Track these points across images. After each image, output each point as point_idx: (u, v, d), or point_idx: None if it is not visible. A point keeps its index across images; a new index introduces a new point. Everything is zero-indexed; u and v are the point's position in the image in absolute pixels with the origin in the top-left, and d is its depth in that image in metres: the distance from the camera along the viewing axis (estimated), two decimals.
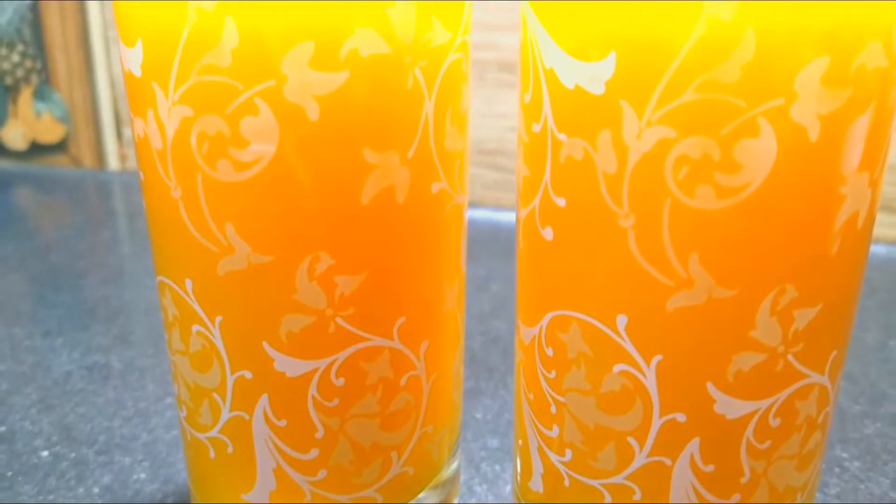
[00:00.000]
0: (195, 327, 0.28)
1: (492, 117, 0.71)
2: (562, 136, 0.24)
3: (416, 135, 0.26)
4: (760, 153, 0.22)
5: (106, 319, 0.54)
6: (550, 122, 0.25)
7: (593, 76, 0.23)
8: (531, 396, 0.29)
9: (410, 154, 0.26)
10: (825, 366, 0.26)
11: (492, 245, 0.65)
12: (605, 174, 0.23)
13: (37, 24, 0.80)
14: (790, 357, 0.24)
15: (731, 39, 0.21)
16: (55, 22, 0.79)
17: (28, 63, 0.83)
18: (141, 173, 0.28)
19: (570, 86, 0.24)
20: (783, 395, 0.25)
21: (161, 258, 0.28)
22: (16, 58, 0.83)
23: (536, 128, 0.25)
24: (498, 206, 0.73)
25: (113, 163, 0.85)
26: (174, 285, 0.28)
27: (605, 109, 0.23)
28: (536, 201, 0.26)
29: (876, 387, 0.46)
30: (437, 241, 0.29)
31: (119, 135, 0.83)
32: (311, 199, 0.25)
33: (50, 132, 0.85)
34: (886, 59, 0.22)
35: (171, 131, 0.25)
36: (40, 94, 0.83)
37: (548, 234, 0.26)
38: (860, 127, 0.23)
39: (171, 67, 0.24)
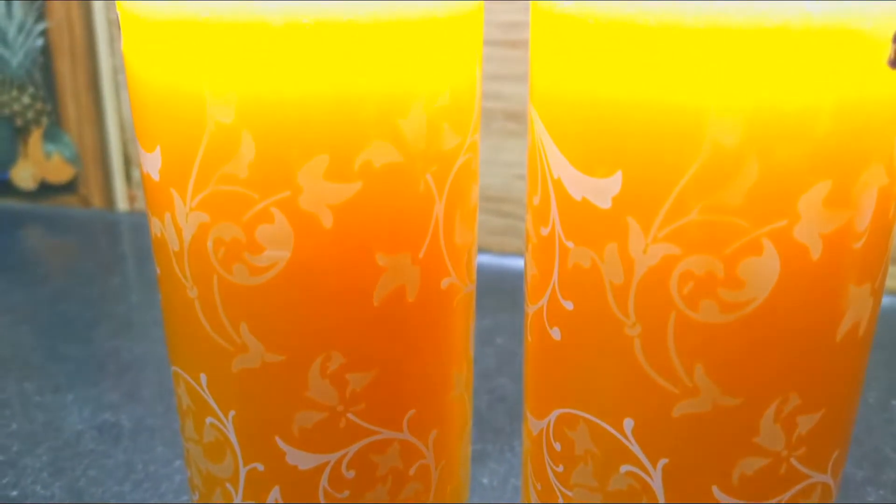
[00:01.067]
0: (209, 419, 0.28)
1: (498, 165, 0.72)
2: (569, 244, 0.25)
3: (426, 236, 0.27)
4: (763, 272, 0.22)
5: (116, 374, 0.55)
6: (558, 228, 0.25)
7: (600, 191, 0.23)
8: (538, 487, 0.29)
9: (421, 254, 0.27)
10: (827, 465, 0.26)
11: (497, 294, 0.65)
12: (611, 284, 0.24)
13: (48, 68, 0.81)
14: (793, 460, 0.25)
15: (735, 164, 0.22)
16: (66, 65, 0.80)
17: (38, 105, 0.84)
18: (157, 268, 0.28)
19: (578, 198, 0.24)
20: (787, 496, 0.26)
21: (176, 350, 0.29)
22: (26, 100, 0.84)
23: (545, 231, 0.26)
24: (503, 252, 0.74)
25: (122, 204, 0.85)
26: (189, 378, 0.28)
27: (612, 224, 0.23)
28: (545, 301, 0.27)
29: (879, 451, 0.46)
30: (446, 333, 0.29)
31: (128, 176, 0.84)
32: (324, 301, 0.26)
33: (59, 173, 0.86)
34: (888, 178, 0.23)
35: (188, 235, 0.26)
36: (50, 136, 0.84)
37: (556, 333, 0.26)
38: (862, 243, 0.23)
39: (189, 176, 0.25)
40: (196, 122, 0.24)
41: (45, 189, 0.86)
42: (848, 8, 0.20)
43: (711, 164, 0.22)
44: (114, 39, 0.80)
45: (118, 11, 0.26)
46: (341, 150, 0.24)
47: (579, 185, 0.24)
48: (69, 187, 0.86)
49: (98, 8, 0.79)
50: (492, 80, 0.68)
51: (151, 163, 0.26)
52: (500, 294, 0.65)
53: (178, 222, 0.26)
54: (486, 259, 0.73)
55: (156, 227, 0.27)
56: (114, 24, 0.80)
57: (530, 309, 0.28)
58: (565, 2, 0.23)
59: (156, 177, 0.26)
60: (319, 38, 0.23)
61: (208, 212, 0.25)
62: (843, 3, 0.20)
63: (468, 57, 0.27)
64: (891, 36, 0.21)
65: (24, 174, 0.86)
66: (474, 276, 0.31)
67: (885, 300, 0.67)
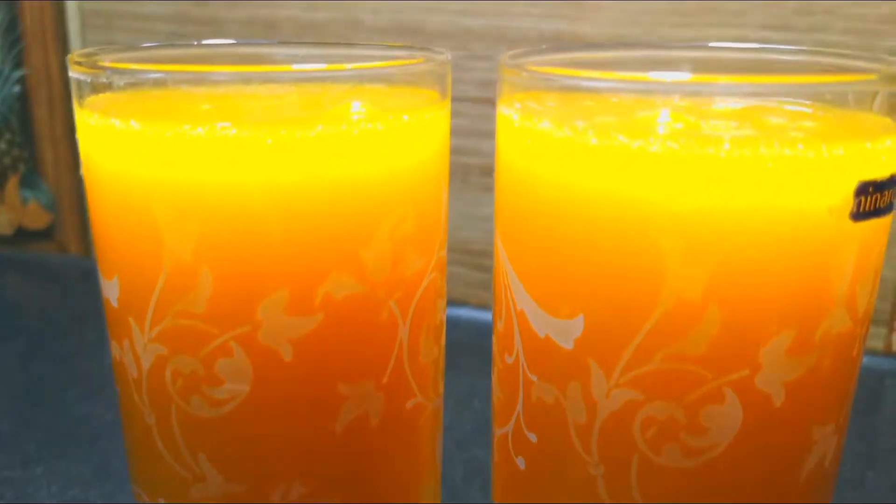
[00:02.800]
0: None
1: (477, 219, 0.71)
2: (533, 377, 0.25)
3: (390, 361, 0.26)
4: (726, 419, 0.22)
5: (87, 443, 0.54)
6: (522, 360, 0.25)
7: (563, 331, 0.23)
8: None
9: (385, 380, 0.26)
10: None
11: (475, 352, 0.64)
12: (574, 422, 0.24)
13: (25, 114, 0.81)
14: None
15: (695, 315, 0.21)
16: (43, 112, 0.80)
17: (15, 151, 0.83)
18: (118, 388, 0.28)
19: (541, 334, 0.24)
20: None
21: (135, 470, 0.28)
22: (3, 146, 0.83)
23: (509, 359, 0.26)
24: (482, 306, 0.74)
25: None
26: (147, 500, 0.28)
27: (574, 364, 0.23)
28: (510, 427, 0.26)
29: None
30: (412, 452, 0.29)
31: None
32: (285, 432, 0.25)
33: (36, 219, 0.85)
34: (850, 321, 0.23)
35: (146, 364, 0.25)
36: (27, 182, 0.83)
37: (520, 462, 0.26)
38: (825, 387, 0.23)
39: (147, 308, 0.24)
40: (154, 257, 0.24)
41: (22, 235, 0.85)
42: (807, 160, 0.20)
43: (672, 313, 0.21)
44: None
45: (77, 138, 0.25)
46: (301, 284, 0.24)
47: (542, 322, 0.24)
48: (46, 233, 0.85)
49: None
50: (468, 136, 0.68)
51: (110, 289, 0.26)
52: (479, 353, 0.64)
53: (137, 350, 0.25)
54: (464, 313, 0.73)
55: (115, 349, 0.27)
56: None
57: (497, 431, 0.27)
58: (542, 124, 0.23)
59: (114, 303, 0.26)
60: (279, 166, 0.23)
61: (166, 344, 0.25)
62: (802, 154, 0.20)
63: (433, 171, 0.27)
64: (852, 190, 0.21)
65: (0, 220, 0.85)
66: (440, 389, 0.30)
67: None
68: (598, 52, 0.30)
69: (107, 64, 0.23)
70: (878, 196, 0.21)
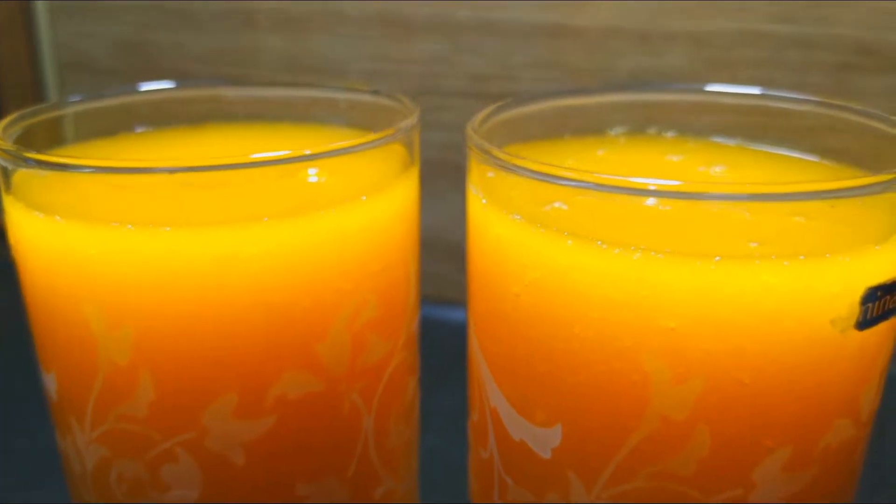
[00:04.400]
0: None
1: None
2: (508, 479, 0.23)
3: (354, 453, 0.24)
4: None
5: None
6: (497, 459, 0.23)
7: (539, 440, 0.21)
8: None
9: (349, 473, 0.24)
10: None
11: (465, 361, 0.62)
12: None
13: None
14: None
15: (683, 436, 0.19)
16: None
17: None
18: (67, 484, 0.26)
19: (516, 438, 0.22)
20: None
21: None
22: None
23: (483, 454, 0.24)
24: None
25: None
26: None
27: (552, 474, 0.21)
28: None
29: None
30: None
31: None
32: None
33: None
34: (854, 428, 0.20)
35: (90, 464, 0.23)
36: None
37: None
38: (826, 494, 0.21)
39: (86, 409, 0.22)
40: (89, 359, 0.22)
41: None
42: (807, 269, 0.18)
43: (658, 433, 0.19)
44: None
45: (4, 220, 0.23)
46: (251, 386, 0.22)
47: (517, 426, 0.22)
48: None
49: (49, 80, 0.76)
50: (459, 131, 0.66)
51: (49, 383, 0.24)
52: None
53: (80, 448, 0.23)
54: (455, 315, 0.70)
55: (59, 441, 0.25)
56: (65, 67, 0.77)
57: None
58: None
59: (54, 397, 0.24)
60: (220, 263, 0.21)
61: (108, 447, 0.23)
62: (802, 264, 0.18)
63: (399, 246, 0.24)
64: (858, 298, 0.19)
65: None
66: (415, 465, 0.28)
67: None
68: (583, 98, 0.28)
69: (30, 155, 0.21)
70: (888, 299, 0.19)
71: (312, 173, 0.22)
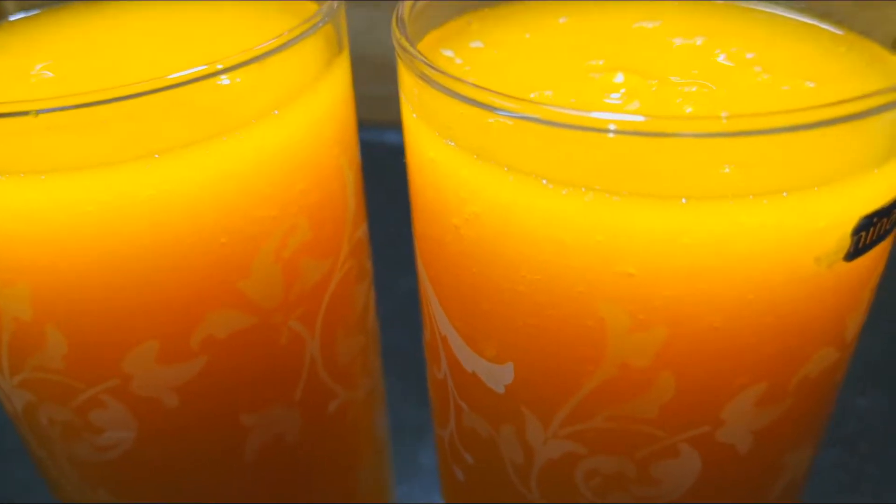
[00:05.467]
0: None
1: None
2: (463, 404, 0.21)
3: (300, 378, 0.23)
4: (681, 472, 0.19)
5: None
6: (451, 384, 0.21)
7: (492, 375, 0.19)
8: None
9: (297, 396, 0.23)
10: None
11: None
12: (511, 461, 0.20)
13: None
14: None
15: (644, 382, 0.17)
16: None
17: None
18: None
19: (468, 369, 0.20)
20: None
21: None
22: None
23: (438, 374, 0.22)
24: None
25: None
26: None
27: (506, 408, 0.20)
28: (446, 435, 0.23)
29: None
30: (343, 455, 0.26)
31: None
32: (188, 469, 0.22)
33: None
34: (838, 353, 0.18)
35: (19, 407, 0.22)
36: None
37: (459, 474, 0.23)
38: (800, 421, 0.19)
39: (1, 360, 0.21)
40: None
41: None
42: (793, 207, 0.15)
43: (617, 379, 0.17)
44: None
45: None
46: (170, 332, 0.20)
47: (469, 359, 0.20)
48: None
49: None
50: None
51: None
52: None
53: (6, 391, 0.22)
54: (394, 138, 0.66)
55: None
56: None
57: (436, 429, 0.24)
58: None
59: None
60: (120, 196, 0.18)
61: (32, 392, 0.21)
62: (786, 202, 0.15)
63: (329, 152, 0.21)
64: (849, 231, 0.16)
65: None
66: (376, 365, 0.27)
67: None
68: None
69: None
70: (885, 222, 0.16)
71: (210, 92, 0.18)
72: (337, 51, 0.21)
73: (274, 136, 0.19)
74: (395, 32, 0.18)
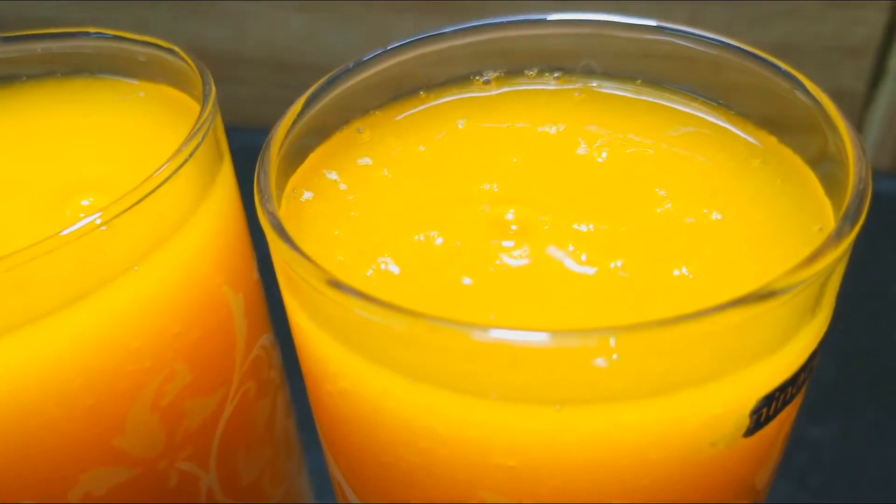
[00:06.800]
0: None
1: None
2: None
3: None
4: None
5: None
6: None
7: None
8: None
9: None
10: None
11: None
12: None
13: None
14: None
15: None
16: None
17: None
18: None
19: None
20: None
21: None
22: None
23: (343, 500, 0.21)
24: None
25: None
26: None
27: None
28: None
29: None
30: None
31: None
32: None
33: None
34: (752, 498, 0.17)
35: None
36: None
37: None
38: None
39: None
40: None
41: None
42: (683, 404, 0.14)
43: None
44: None
45: None
46: (46, 493, 0.18)
47: None
48: None
49: None
50: None
51: None
52: None
53: None
54: None
55: None
56: None
57: None
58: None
59: None
60: None
61: None
62: (674, 400, 0.14)
63: (208, 283, 0.20)
64: (747, 413, 0.15)
65: None
66: (293, 467, 0.26)
67: None
68: (439, 43, 0.21)
69: None
70: (789, 390, 0.15)
71: (56, 261, 0.17)
72: (216, 169, 0.20)
73: (135, 291, 0.18)
74: (257, 198, 0.16)
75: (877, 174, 0.47)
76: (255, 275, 0.22)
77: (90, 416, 0.18)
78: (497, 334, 0.13)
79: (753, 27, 0.45)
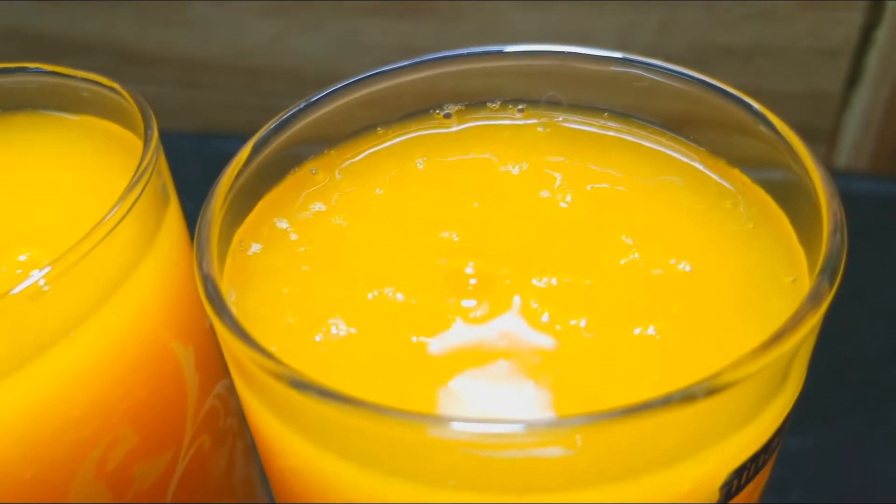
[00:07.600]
0: None
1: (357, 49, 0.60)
2: None
3: None
4: None
5: None
6: None
7: None
8: None
9: None
10: None
11: None
12: None
13: None
14: None
15: None
16: None
17: None
18: None
19: None
20: None
21: None
22: None
23: None
24: None
25: None
26: None
27: None
28: None
29: None
30: None
31: None
32: None
33: None
34: None
35: None
36: None
37: None
38: None
39: None
40: None
41: None
42: (647, 488, 0.13)
43: None
44: None
45: None
46: None
47: None
48: None
49: None
50: None
51: None
52: None
53: None
54: None
55: None
56: None
57: None
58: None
59: None
60: None
61: None
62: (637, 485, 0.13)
63: (154, 339, 0.19)
64: (716, 488, 0.14)
65: None
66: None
67: None
68: (402, 76, 0.20)
69: None
70: (761, 458, 0.14)
71: None
72: (161, 215, 0.18)
73: (74, 356, 0.16)
74: (194, 260, 0.15)
75: (853, 176, 0.46)
76: (207, 322, 0.21)
77: (30, 489, 0.17)
78: (450, 427, 0.12)
79: (728, 29, 0.44)
